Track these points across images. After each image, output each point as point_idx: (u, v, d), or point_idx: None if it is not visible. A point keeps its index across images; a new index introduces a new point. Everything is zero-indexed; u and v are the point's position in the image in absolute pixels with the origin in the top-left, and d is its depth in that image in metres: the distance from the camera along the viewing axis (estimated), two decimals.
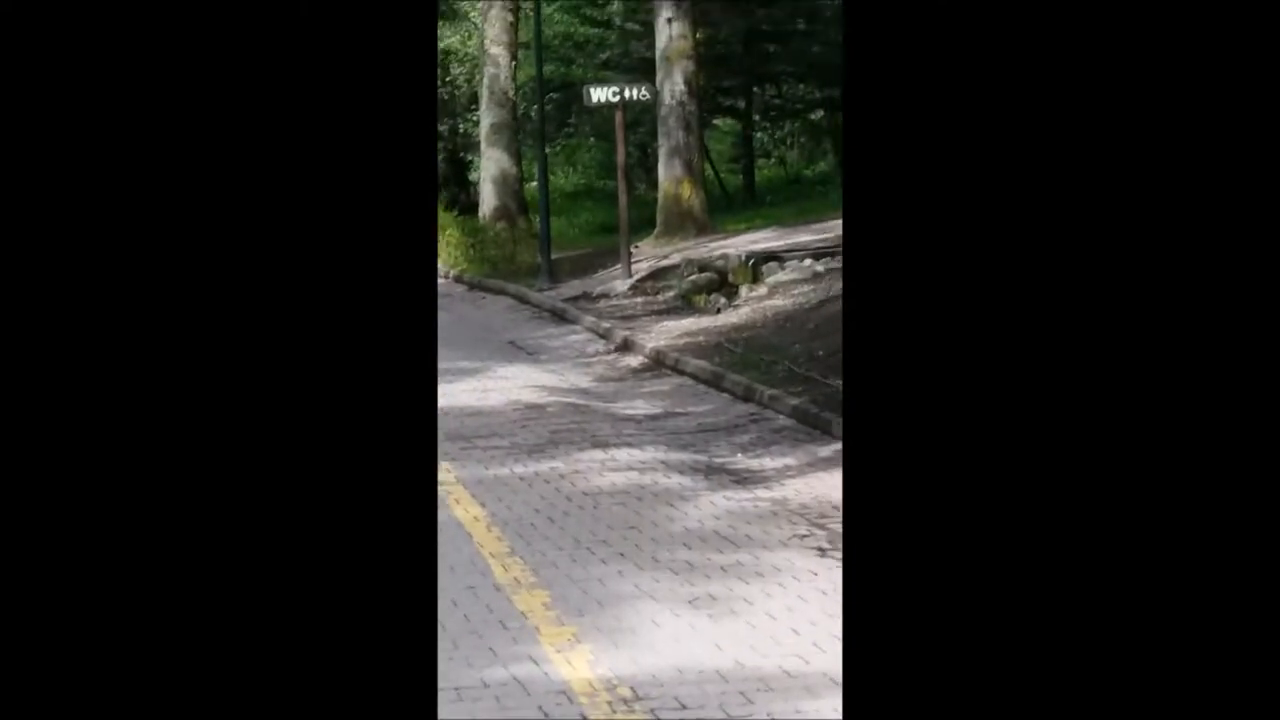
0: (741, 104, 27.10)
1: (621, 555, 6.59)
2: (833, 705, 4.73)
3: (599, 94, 16.83)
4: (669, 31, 19.14)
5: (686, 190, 19.13)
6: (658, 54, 19.49)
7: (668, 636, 5.47)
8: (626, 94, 16.78)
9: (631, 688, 4.97)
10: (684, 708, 4.79)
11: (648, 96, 17.73)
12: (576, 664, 5.22)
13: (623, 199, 16.90)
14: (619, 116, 16.95)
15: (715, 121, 28.18)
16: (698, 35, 20.11)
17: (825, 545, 6.66)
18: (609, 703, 4.87)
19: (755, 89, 27.21)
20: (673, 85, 19.01)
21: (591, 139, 28.49)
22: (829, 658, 5.13)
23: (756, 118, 27.96)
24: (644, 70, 22.46)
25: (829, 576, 6.15)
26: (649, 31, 22.11)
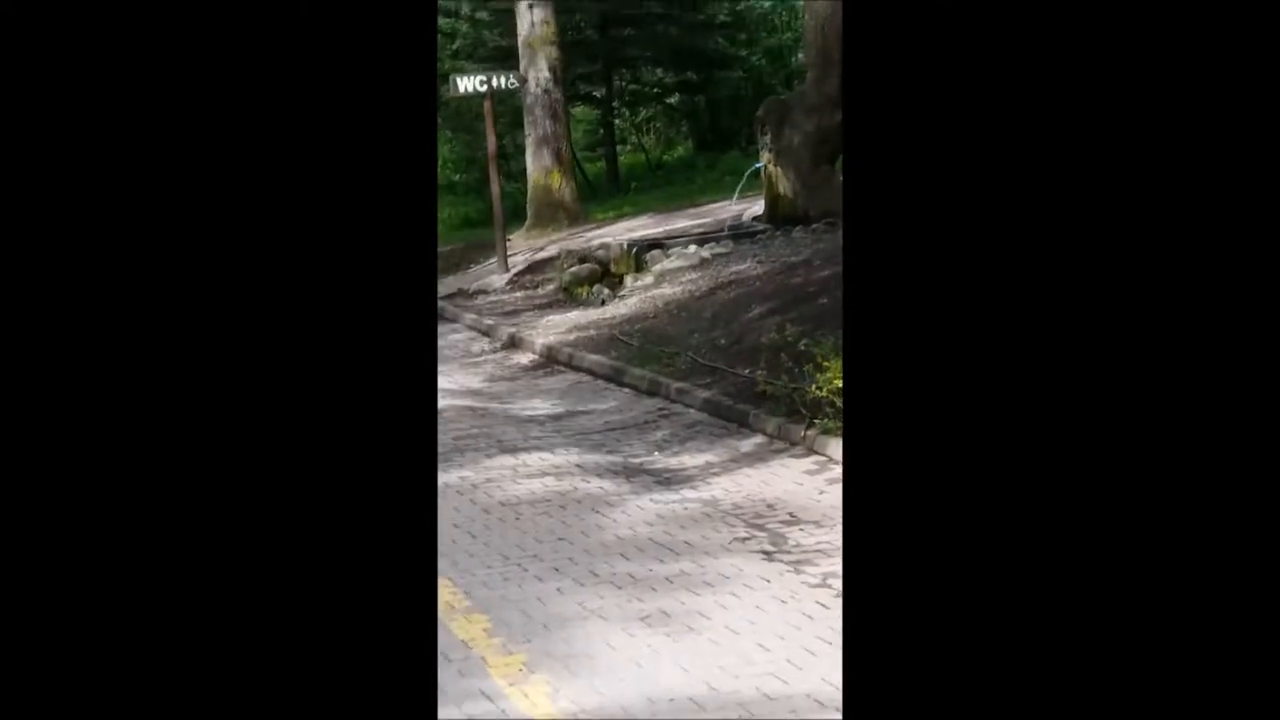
0: (600, 91, 26.70)
1: (556, 570, 6.15)
2: None
3: (465, 83, 16.23)
4: (531, 18, 18.67)
5: (557, 180, 18.69)
6: (520, 41, 18.99)
7: (627, 660, 5.04)
8: (494, 82, 16.23)
9: None
10: None
11: (515, 84, 17.20)
12: (535, 698, 4.78)
13: (496, 190, 16.37)
14: (488, 105, 16.40)
15: (570, 109, 27.72)
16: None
17: (769, 548, 6.29)
18: None
19: (613, 75, 26.82)
20: (537, 73, 18.55)
21: (447, 132, 27.87)
22: (808, 676, 4.76)
23: (615, 104, 27.56)
24: (499, 59, 21.94)
25: (782, 583, 5.78)
26: (500, 20, 21.60)
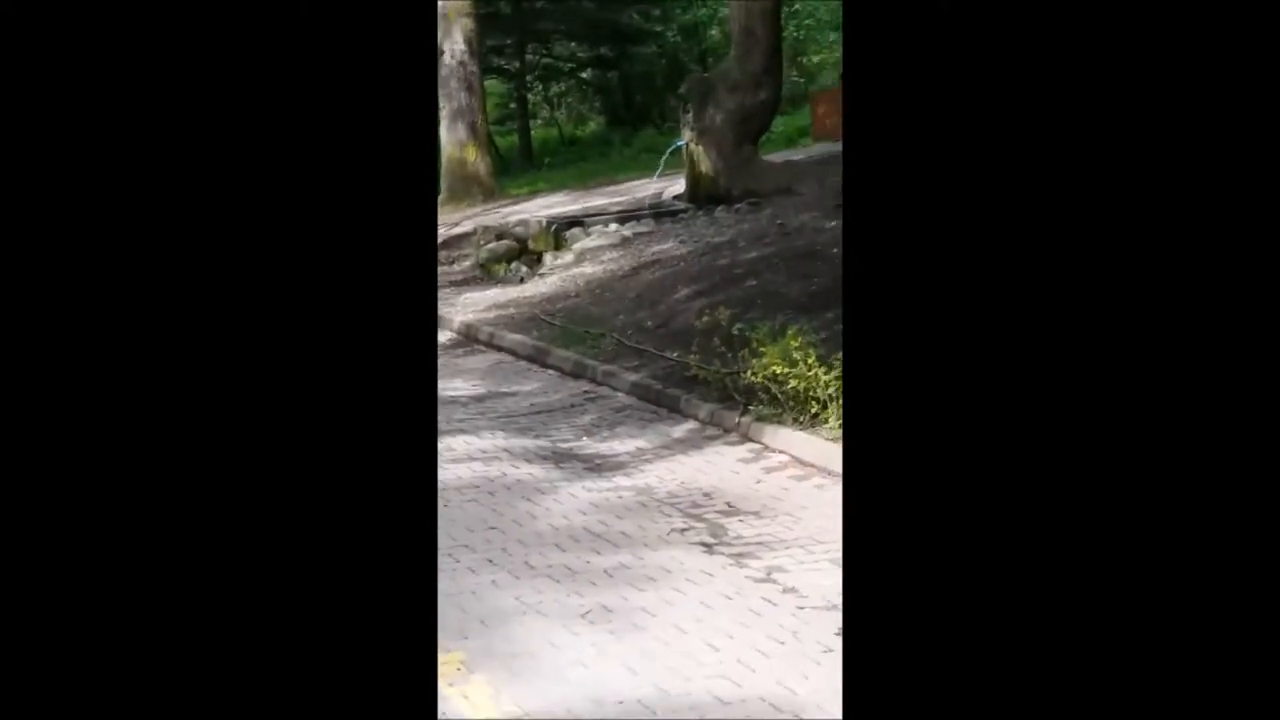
0: (513, 64, 26.37)
1: (490, 562, 5.93)
2: None
3: None
4: None
5: (472, 154, 18.38)
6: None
7: (571, 660, 4.83)
8: None
9: None
10: None
11: None
12: (476, 700, 4.56)
13: None
14: None
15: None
16: None
17: (709, 539, 6.11)
18: None
19: (526, 48, 26.50)
20: (452, 44, 18.21)
21: None
22: (760, 678, 4.58)
23: (527, 78, 27.25)
24: None
25: (726, 577, 5.60)
26: None
